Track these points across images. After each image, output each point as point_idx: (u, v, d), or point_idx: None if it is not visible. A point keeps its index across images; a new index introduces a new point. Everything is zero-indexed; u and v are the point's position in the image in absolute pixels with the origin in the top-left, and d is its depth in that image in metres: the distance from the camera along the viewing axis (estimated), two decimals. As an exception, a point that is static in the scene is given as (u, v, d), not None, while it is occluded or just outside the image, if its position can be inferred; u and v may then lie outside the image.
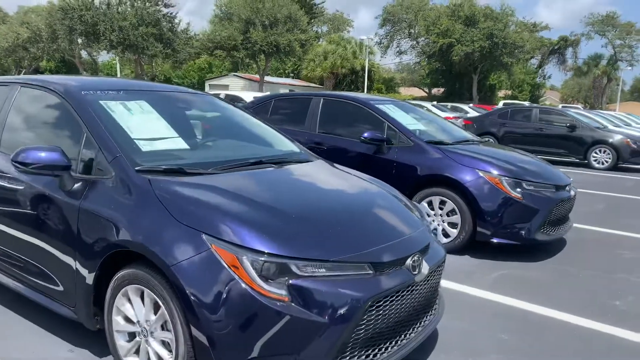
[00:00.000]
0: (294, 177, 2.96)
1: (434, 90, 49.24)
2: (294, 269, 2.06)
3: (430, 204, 4.88)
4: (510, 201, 4.52)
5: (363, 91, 41.94)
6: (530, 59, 53.66)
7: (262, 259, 2.04)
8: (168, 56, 29.10)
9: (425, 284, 2.50)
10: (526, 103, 34.59)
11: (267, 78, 42.90)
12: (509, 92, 49.70)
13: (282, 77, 50.81)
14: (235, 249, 2.06)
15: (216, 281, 2.03)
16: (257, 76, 39.11)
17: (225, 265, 2.04)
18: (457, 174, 4.70)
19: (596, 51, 62.21)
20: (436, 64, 42.04)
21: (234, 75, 43.66)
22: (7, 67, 40.79)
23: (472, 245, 4.74)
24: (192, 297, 2.02)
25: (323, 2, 52.20)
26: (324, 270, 2.11)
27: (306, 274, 2.08)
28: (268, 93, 17.60)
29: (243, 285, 2.01)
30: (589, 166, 12.50)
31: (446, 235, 4.81)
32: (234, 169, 2.73)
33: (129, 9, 27.37)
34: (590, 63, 57.00)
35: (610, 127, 14.18)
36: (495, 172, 4.63)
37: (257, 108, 6.37)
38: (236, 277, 2.02)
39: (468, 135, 6.05)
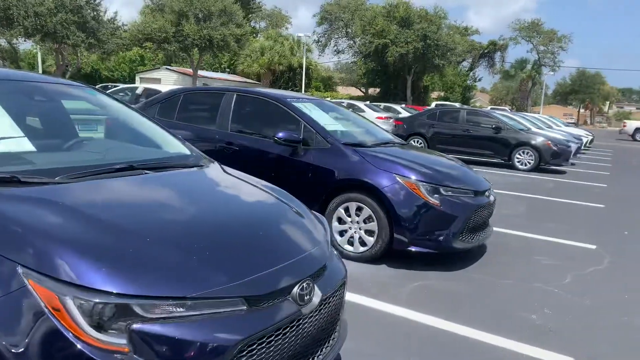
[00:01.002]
0: (168, 186, 2.47)
1: (370, 90, 49.76)
2: (137, 310, 1.60)
3: (347, 210, 4.55)
4: (428, 207, 4.27)
5: (301, 89, 41.70)
6: (461, 61, 55.44)
7: (95, 299, 1.57)
8: (91, 46, 27.33)
9: (317, 314, 2.10)
10: (457, 104, 35.61)
11: (202, 72, 41.55)
12: (442, 94, 51.12)
13: (217, 71, 49.54)
14: (58, 286, 1.57)
15: (30, 328, 1.54)
16: (191, 70, 37.79)
17: (44, 308, 1.55)
18: (373, 178, 4.39)
19: (522, 56, 65.24)
20: (371, 64, 42.45)
21: (167, 68, 42.01)
22: None
23: (390, 254, 4.46)
24: None
25: (260, -1, 51.40)
26: (182, 309, 1.67)
27: (155, 316, 1.62)
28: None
29: (66, 334, 1.53)
30: (512, 167, 12.78)
31: (363, 243, 4.50)
32: (89, 177, 2.21)
33: (47, -6, 25.45)
34: (517, 67, 59.80)
35: (533, 129, 14.64)
36: (413, 177, 4.36)
37: (164, 103, 5.81)
38: (57, 323, 1.54)
39: (390, 137, 5.80)
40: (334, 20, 49.20)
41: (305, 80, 43.17)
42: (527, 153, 12.71)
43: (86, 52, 30.91)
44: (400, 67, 39.01)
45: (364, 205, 4.44)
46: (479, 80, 65.13)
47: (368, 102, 21.98)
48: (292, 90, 44.13)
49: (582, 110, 79.82)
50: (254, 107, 5.34)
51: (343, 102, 19.72)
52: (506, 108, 47.53)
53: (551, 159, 12.60)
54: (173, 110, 5.66)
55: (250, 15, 56.80)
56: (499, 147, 13.02)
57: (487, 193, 4.79)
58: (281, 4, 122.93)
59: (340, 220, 4.60)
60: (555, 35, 61.24)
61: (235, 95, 5.35)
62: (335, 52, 51.08)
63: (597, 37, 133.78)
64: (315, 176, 4.64)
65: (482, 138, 13.23)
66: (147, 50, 37.00)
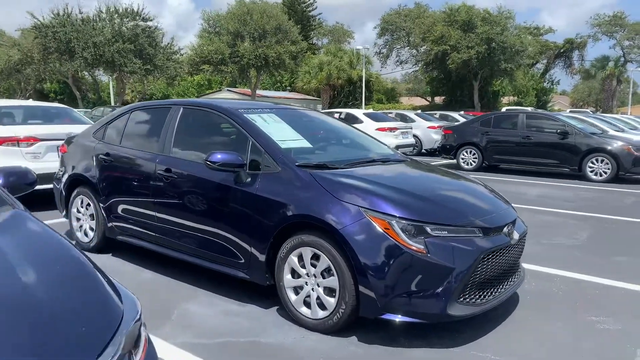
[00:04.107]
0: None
1: (437, 99, 47.55)
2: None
3: (301, 258, 3.28)
4: (407, 256, 2.91)
5: (361, 102, 40.55)
6: (534, 64, 51.81)
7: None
8: (149, 72, 27.84)
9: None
10: (529, 109, 32.77)
11: (261, 92, 41.68)
12: (514, 98, 47.81)
13: (279, 90, 49.59)
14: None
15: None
16: (249, 90, 37.86)
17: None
18: (330, 213, 3.10)
19: (604, 53, 59.89)
20: (434, 72, 40.45)
21: (228, 90, 42.63)
22: (11, 89, 40.13)
23: (364, 321, 3.13)
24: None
25: (320, 14, 51.23)
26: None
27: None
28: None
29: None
30: (585, 178, 10.77)
31: (322, 306, 3.20)
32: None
33: (106, 25, 26.27)
34: (598, 65, 54.84)
35: (611, 132, 12.44)
36: (386, 210, 3.02)
37: (112, 122, 4.86)
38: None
39: (386, 152, 4.44)
40: (395, 30, 47.80)
41: (366, 93, 42.03)
42: (602, 161, 10.64)
43: (150, 78, 31.64)
44: (465, 73, 36.67)
45: (320, 253, 3.15)
46: (557, 83, 60.30)
47: (419, 111, 20.29)
48: (352, 104, 43.16)
49: (679, 108, 71.81)
50: (200, 123, 4.22)
51: (391, 113, 18.24)
52: (587, 110, 43.50)
53: (632, 166, 10.44)
54: (120, 133, 4.70)
55: (311, 33, 56.78)
56: (567, 155, 11.05)
57: (507, 229, 3.32)
58: (346, 20, 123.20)
59: (293, 273, 3.34)
60: (642, 27, 55.67)
61: (181, 109, 4.26)
62: (397, 63, 49.69)
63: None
64: (261, 212, 3.42)
65: (546, 145, 11.32)
66: (203, 72, 37.46)
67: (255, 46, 32.67)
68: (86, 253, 1.95)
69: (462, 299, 3.01)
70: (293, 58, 35.08)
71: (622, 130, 14.59)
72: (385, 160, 4.08)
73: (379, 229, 2.95)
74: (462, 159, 12.56)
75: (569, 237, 5.79)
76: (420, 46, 42.00)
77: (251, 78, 36.22)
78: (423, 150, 16.54)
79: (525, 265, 4.13)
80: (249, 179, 3.53)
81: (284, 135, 3.85)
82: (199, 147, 4.08)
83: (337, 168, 3.56)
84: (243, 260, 3.55)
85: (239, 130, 3.80)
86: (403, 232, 2.94)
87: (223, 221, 3.64)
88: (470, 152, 12.44)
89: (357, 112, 15.43)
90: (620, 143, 10.68)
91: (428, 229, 2.98)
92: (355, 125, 13.98)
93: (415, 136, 15.90)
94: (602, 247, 5.43)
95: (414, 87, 63.54)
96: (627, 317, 3.51)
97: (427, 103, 48.58)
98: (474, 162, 12.35)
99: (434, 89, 45.79)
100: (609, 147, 10.61)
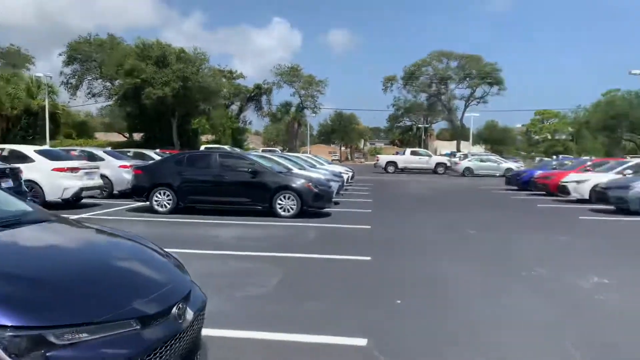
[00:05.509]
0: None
1: (135, 135, 45.39)
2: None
3: None
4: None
5: (44, 137, 35.25)
6: (230, 105, 55.38)
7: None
8: None
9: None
10: (227, 147, 34.26)
11: None
12: (212, 137, 49.65)
13: None
14: None
15: None
16: None
17: None
18: None
19: (287, 99, 68.72)
20: (129, 107, 38.55)
21: None
22: None
23: None
24: None
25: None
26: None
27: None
28: None
29: None
30: (275, 214, 11.19)
31: None
32: None
33: None
34: (282, 110, 62.40)
35: (295, 170, 13.51)
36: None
37: None
38: None
39: (17, 208, 3.15)
40: (85, 60, 43.95)
41: (51, 126, 36.83)
42: (289, 197, 11.28)
43: None
44: (163, 110, 36.07)
45: None
46: (250, 123, 65.83)
47: (109, 148, 18.57)
48: (33, 137, 37.20)
49: (343, 148, 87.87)
50: None
51: (75, 149, 15.99)
52: (276, 149, 48.57)
53: (314, 201, 11.39)
54: None
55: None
56: (259, 193, 11.33)
57: (176, 310, 2.51)
58: (25, 44, 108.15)
59: None
60: (314, 79, 66.20)
61: None
62: (89, 95, 45.64)
63: (348, 82, 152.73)
64: None
65: (239, 184, 11.39)
66: None
67: None
68: None
69: None
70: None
71: (304, 168, 16.18)
72: (7, 224, 2.80)
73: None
74: (156, 201, 11.59)
75: (260, 286, 5.46)
76: (114, 79, 39.61)
77: None
78: (115, 192, 14.87)
79: (211, 333, 3.44)
80: None
81: None
82: None
83: None
84: None
85: None
86: (4, 351, 1.81)
87: None
88: (164, 193, 11.58)
89: (26, 149, 12.75)
90: (302, 180, 11.54)
91: (52, 338, 1.92)
92: (24, 164, 11.46)
93: (104, 176, 14.14)
94: (291, 293, 5.25)
95: (112, 122, 59.58)
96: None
97: (125, 139, 45.97)
98: (169, 204, 11.53)
99: (132, 125, 43.65)
100: (294, 185, 11.33)
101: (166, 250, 3.15)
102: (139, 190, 11.89)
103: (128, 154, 17.69)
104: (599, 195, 14.19)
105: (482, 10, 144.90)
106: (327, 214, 11.78)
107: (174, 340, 2.42)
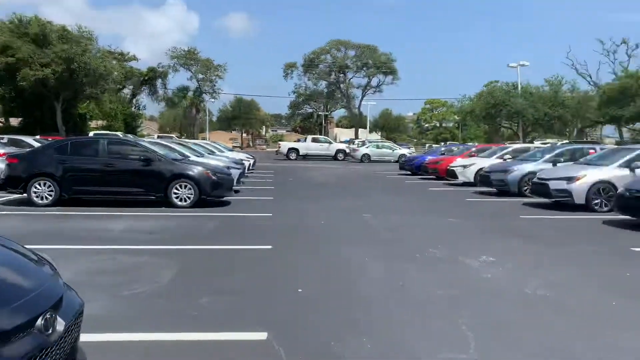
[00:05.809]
0: None
1: (13, 120, 40.93)
2: None
3: None
4: None
5: None
6: (121, 89, 51.91)
7: None
8: None
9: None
10: (120, 133, 32.11)
11: None
12: (102, 123, 46.31)
13: None
14: None
15: None
16: None
17: None
18: None
19: (184, 84, 65.99)
20: (2, 89, 34.65)
21: None
22: None
23: None
24: None
25: None
26: None
27: None
28: None
29: None
30: (171, 204, 10.63)
31: None
32: None
33: None
34: (179, 95, 59.82)
35: (192, 157, 12.95)
36: None
37: None
38: None
39: None
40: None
41: None
42: (186, 186, 10.76)
43: None
44: (44, 93, 32.86)
45: None
46: (144, 108, 62.33)
47: (-23, 136, 16.52)
48: None
49: (244, 135, 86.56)
50: None
51: None
52: (173, 136, 46.48)
53: (212, 190, 11.00)
54: None
55: None
56: (152, 182, 10.68)
57: (42, 321, 2.16)
58: None
59: None
60: (212, 63, 64.19)
61: None
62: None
63: (248, 68, 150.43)
64: None
65: (130, 173, 10.66)
66: None
67: None
68: None
69: None
70: None
71: (202, 155, 15.60)
72: None
73: None
74: (35, 192, 10.48)
75: (152, 282, 5.10)
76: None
77: None
78: (-15, 184, 13.25)
79: (92, 338, 3.11)
80: None
81: None
82: None
83: None
84: None
85: None
86: None
87: None
88: (45, 184, 10.51)
89: None
90: (200, 168, 11.07)
91: None
92: None
93: (-29, 166, 12.52)
94: (186, 289, 4.96)
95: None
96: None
97: (1, 125, 41.32)
98: (50, 195, 10.49)
99: (7, 109, 39.31)
100: (191, 173, 10.84)
101: (42, 247, 2.77)
102: (15, 181, 10.69)
103: (2, 140, 15.86)
104: (482, 178, 15.32)
105: (379, 2, 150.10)
106: (227, 203, 11.45)
107: (40, 357, 2.10)
